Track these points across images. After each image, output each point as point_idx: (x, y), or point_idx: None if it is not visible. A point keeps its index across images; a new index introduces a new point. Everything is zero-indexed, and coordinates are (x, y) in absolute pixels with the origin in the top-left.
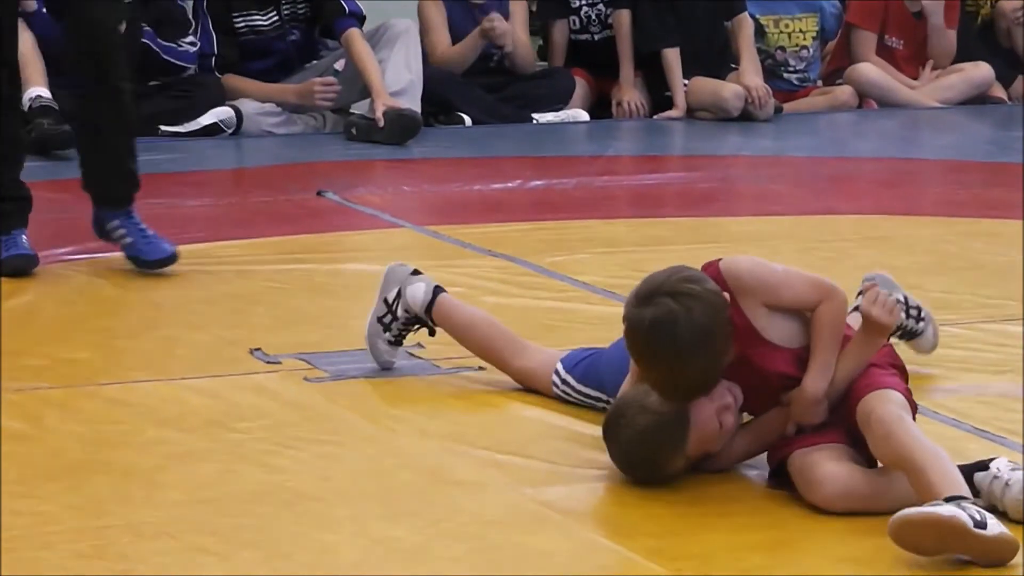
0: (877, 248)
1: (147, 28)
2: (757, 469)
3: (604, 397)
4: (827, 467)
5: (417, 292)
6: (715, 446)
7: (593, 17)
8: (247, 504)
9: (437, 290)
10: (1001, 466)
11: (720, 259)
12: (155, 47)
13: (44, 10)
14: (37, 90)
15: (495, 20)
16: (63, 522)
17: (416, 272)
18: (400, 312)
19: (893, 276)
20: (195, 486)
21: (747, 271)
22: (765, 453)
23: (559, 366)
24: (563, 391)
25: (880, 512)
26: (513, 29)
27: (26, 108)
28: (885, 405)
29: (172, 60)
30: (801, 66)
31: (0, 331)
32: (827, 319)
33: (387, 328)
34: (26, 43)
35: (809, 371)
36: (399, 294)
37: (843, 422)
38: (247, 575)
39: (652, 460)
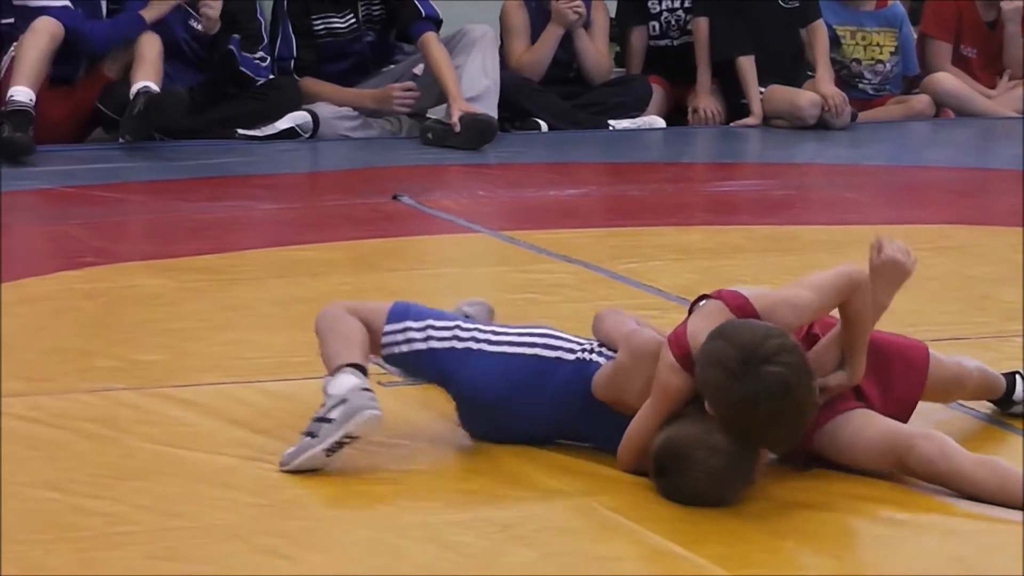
0: (951, 257)
1: (235, 36)
2: (827, 479)
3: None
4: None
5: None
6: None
7: (672, 23)
8: (318, 507)
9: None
10: None
11: (745, 297)
12: (237, 55)
13: None
14: (144, 83)
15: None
16: (134, 523)
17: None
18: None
19: (966, 285)
20: (266, 488)
21: (777, 309)
22: None
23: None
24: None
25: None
26: (593, 39)
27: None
28: (916, 443)
29: (247, 72)
30: (876, 80)
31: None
32: (861, 308)
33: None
34: (153, 47)
35: (851, 364)
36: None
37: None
38: None
39: (722, 497)
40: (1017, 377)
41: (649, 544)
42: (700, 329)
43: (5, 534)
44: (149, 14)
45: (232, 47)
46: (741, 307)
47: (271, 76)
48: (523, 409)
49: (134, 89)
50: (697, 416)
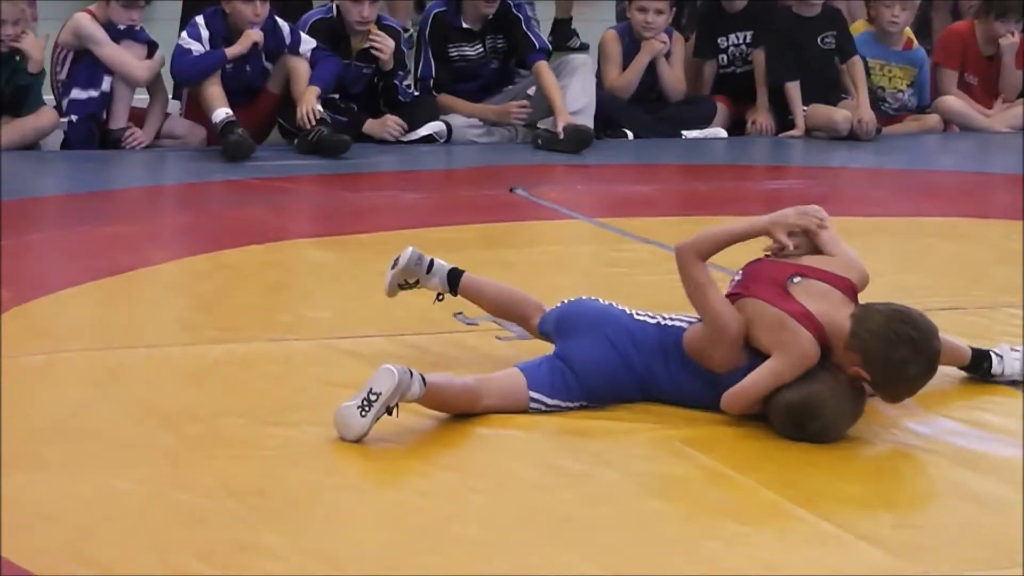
0: (955, 243)
1: (400, 72)
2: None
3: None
4: None
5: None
6: None
7: (736, 55)
8: (442, 439)
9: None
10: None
11: (850, 281)
12: (399, 87)
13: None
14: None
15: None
16: (306, 445)
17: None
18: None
19: (967, 266)
20: (405, 415)
21: (862, 281)
22: None
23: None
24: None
25: None
26: (671, 67)
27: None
28: None
29: (401, 97)
30: (895, 104)
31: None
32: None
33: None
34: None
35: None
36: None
37: None
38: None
39: (845, 434)
40: (992, 354)
41: (710, 468)
42: (828, 311)
43: (198, 452)
44: (232, 51)
45: (397, 81)
46: (850, 288)
47: (415, 94)
48: (612, 337)
49: (308, 112)
50: (822, 376)
